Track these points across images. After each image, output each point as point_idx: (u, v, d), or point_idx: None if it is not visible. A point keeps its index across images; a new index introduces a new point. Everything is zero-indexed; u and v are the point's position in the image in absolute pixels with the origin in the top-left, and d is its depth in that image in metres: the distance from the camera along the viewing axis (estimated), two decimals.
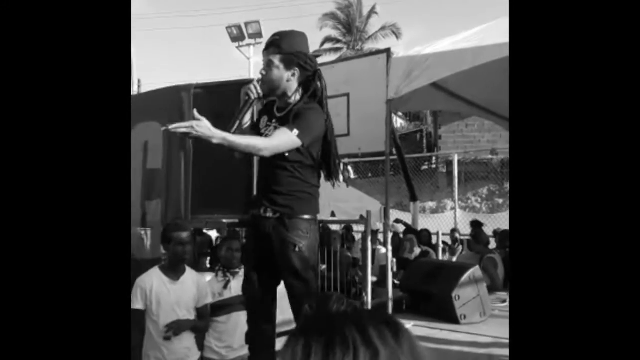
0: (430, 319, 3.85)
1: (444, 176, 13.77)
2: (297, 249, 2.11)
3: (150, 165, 3.61)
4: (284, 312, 4.04)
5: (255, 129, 2.27)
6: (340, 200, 6.13)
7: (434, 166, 14.64)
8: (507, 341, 3.33)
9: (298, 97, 2.19)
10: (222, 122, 3.43)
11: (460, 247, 6.39)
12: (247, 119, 2.24)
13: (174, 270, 2.77)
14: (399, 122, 19.17)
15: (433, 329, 3.64)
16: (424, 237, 5.89)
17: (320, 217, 4.47)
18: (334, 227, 5.17)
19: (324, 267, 4.56)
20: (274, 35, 2.22)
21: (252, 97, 2.09)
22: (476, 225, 5.56)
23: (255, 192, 2.33)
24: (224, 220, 3.62)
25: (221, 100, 3.49)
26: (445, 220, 9.50)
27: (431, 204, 13.38)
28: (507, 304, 4.66)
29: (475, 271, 4.04)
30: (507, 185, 13.56)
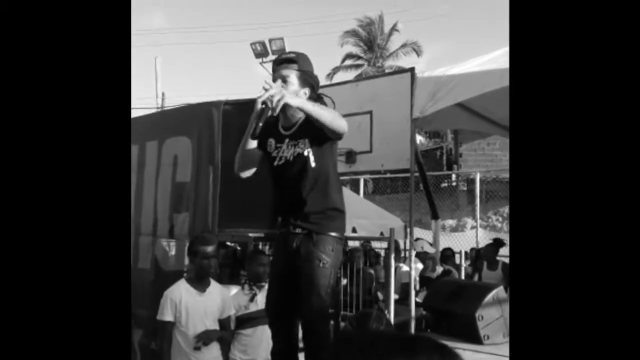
0: (452, 338, 3.81)
1: (464, 194, 13.66)
2: (321, 265, 2.11)
3: (179, 178, 3.68)
4: None
5: (264, 153, 2.26)
6: (361, 217, 6.14)
7: (454, 184, 14.54)
8: None
9: (302, 114, 2.17)
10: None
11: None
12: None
13: (200, 283, 2.82)
14: (419, 139, 19.11)
15: (457, 348, 3.60)
16: (447, 256, 5.84)
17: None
18: (356, 244, 5.17)
19: (345, 281, 4.56)
20: (289, 52, 2.25)
21: (270, 106, 2.06)
22: (496, 244, 5.55)
23: (278, 209, 2.30)
24: (250, 234, 3.66)
25: (249, 116, 3.56)
26: (465, 238, 9.41)
27: (451, 222, 13.26)
28: None
29: (499, 291, 4.00)
30: None
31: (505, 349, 3.67)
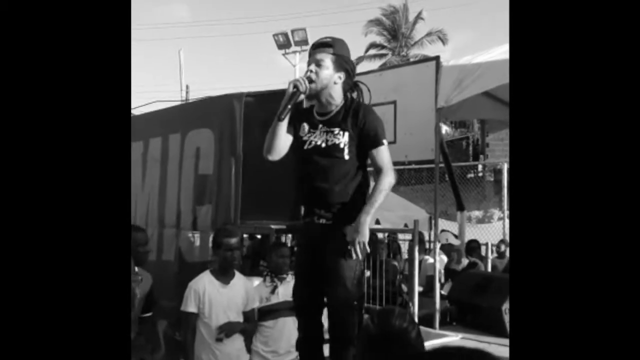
0: (478, 332, 3.75)
1: (491, 185, 13.43)
2: (347, 257, 2.09)
3: (201, 170, 3.70)
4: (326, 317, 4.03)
5: (296, 138, 2.25)
6: (385, 209, 6.08)
7: (480, 174, 14.30)
8: None
9: (340, 101, 2.17)
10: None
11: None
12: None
13: (224, 275, 2.83)
14: (444, 129, 18.86)
15: (482, 342, 3.54)
16: (473, 248, 5.75)
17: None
18: (380, 236, 5.13)
19: (369, 273, 4.53)
20: (325, 37, 2.22)
21: (300, 90, 2.06)
22: None
23: (304, 196, 2.27)
24: (272, 226, 3.66)
25: (271, 109, 3.54)
26: (492, 230, 9.25)
27: (477, 213, 13.07)
28: None
29: None
30: None
31: None
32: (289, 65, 12.39)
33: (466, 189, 11.01)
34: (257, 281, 3.12)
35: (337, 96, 2.16)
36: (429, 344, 3.43)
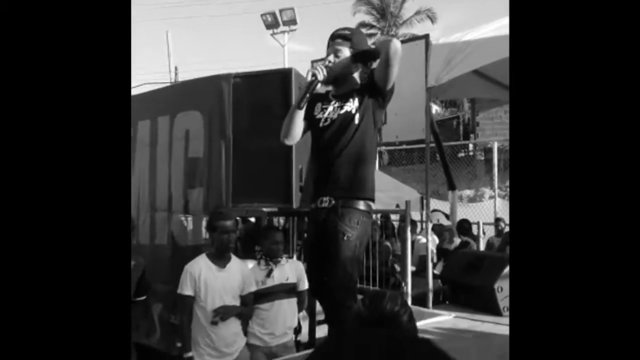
0: (470, 310, 3.79)
1: (482, 164, 13.48)
2: (345, 238, 2.10)
3: (191, 153, 3.65)
4: None
5: (308, 119, 2.28)
6: (377, 189, 6.08)
7: (471, 154, 14.35)
8: None
9: (357, 86, 2.24)
10: (261, 110, 3.46)
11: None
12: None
13: (220, 258, 2.81)
14: (434, 108, 18.84)
15: (475, 320, 3.58)
16: (464, 227, 5.78)
17: None
18: (373, 217, 5.13)
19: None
20: (343, 28, 2.26)
21: (319, 77, 2.11)
22: None
23: (315, 178, 2.31)
24: (264, 209, 3.64)
25: (260, 89, 3.50)
26: (483, 209, 9.31)
27: (468, 192, 13.13)
28: None
29: None
30: None
31: None
32: (277, 46, 12.23)
33: (457, 168, 11.02)
34: (251, 264, 3.12)
35: (354, 83, 2.24)
36: (422, 324, 3.46)
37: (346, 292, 2.12)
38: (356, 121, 2.17)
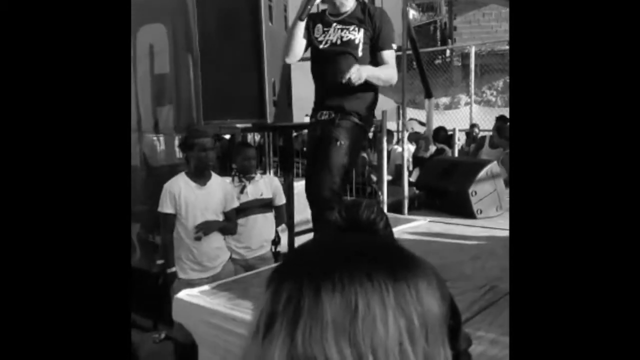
0: (445, 214, 3.91)
1: (459, 70, 13.33)
2: (338, 144, 2.21)
3: (157, 70, 3.49)
4: (301, 212, 4.14)
5: (310, 40, 2.32)
6: None
7: (448, 60, 14.12)
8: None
9: (352, 3, 2.28)
10: (229, 20, 3.27)
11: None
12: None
13: (199, 176, 2.81)
14: (411, 13, 18.19)
15: (449, 224, 3.71)
16: (441, 134, 5.81)
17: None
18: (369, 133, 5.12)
19: None
20: None
21: None
22: (501, 119, 5.47)
23: (315, 97, 2.40)
24: (238, 125, 3.58)
25: (226, 1, 3.29)
26: (459, 115, 9.33)
27: (445, 100, 13.11)
28: None
29: (492, 167, 4.03)
30: None
31: (498, 222, 3.78)
32: None
33: (434, 75, 10.90)
34: (227, 181, 3.12)
35: (350, 6, 2.28)
36: (398, 229, 3.56)
37: (331, 193, 2.21)
38: (359, 52, 2.26)
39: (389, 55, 2.30)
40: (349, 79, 2.11)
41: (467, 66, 8.94)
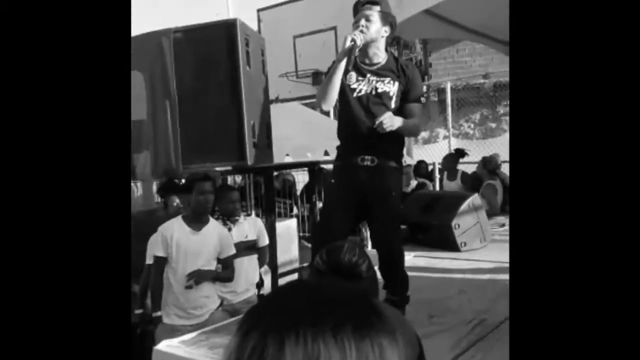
0: (430, 249, 3.91)
1: (436, 105, 13.61)
2: (393, 194, 2.36)
3: (135, 116, 3.48)
4: (284, 252, 4.08)
5: (342, 86, 2.39)
6: (333, 138, 6.05)
7: (425, 95, 14.44)
8: (507, 265, 3.41)
9: (384, 54, 2.40)
10: (206, 66, 3.31)
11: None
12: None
13: (196, 221, 2.78)
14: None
15: (434, 258, 3.70)
16: (422, 168, 5.87)
17: (314, 157, 4.42)
18: (329, 167, 5.14)
19: (320, 204, 4.57)
20: None
21: (357, 43, 2.23)
22: (456, 154, 5.67)
23: (346, 142, 2.46)
24: (217, 169, 3.56)
25: (203, 44, 3.33)
26: (438, 149, 9.47)
27: (424, 134, 13.31)
28: (506, 227, 4.73)
29: (474, 199, 4.06)
30: (499, 109, 13.43)
31: (483, 254, 3.78)
32: None
33: None
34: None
35: (382, 48, 2.39)
36: None
37: (401, 243, 2.48)
38: (392, 103, 2.37)
39: (417, 108, 2.42)
40: (381, 123, 2.22)
41: (444, 101, 9.14)
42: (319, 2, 5.04)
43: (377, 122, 2.23)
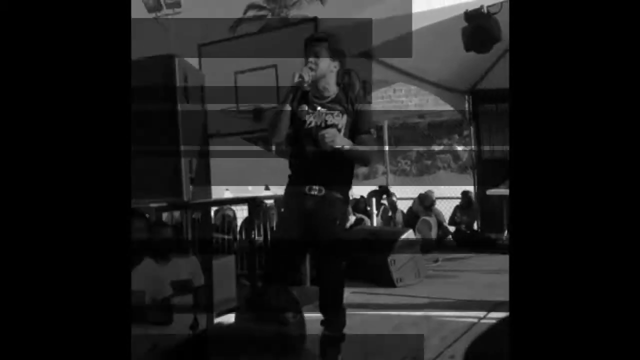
0: (367, 284, 3.95)
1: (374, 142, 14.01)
2: (337, 223, 2.38)
3: None
4: (221, 291, 3.97)
5: (292, 119, 2.43)
6: (273, 173, 6.08)
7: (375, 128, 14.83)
8: (441, 301, 3.51)
9: (335, 88, 2.44)
10: (144, 100, 3.24)
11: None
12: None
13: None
14: None
15: (370, 294, 3.74)
16: (360, 204, 5.98)
17: (255, 192, 4.38)
18: (270, 202, 5.13)
19: (261, 239, 4.54)
20: (320, 33, 2.61)
21: (306, 79, 2.29)
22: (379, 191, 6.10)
23: (295, 172, 2.50)
24: (152, 205, 3.47)
25: (147, 76, 3.28)
26: (377, 184, 9.71)
27: (363, 170, 13.62)
28: (439, 263, 4.87)
29: (409, 234, 4.17)
30: (434, 147, 14.02)
31: (417, 289, 3.87)
32: (159, 30, 11.61)
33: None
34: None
35: (332, 82, 2.45)
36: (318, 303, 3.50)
37: (338, 256, 2.46)
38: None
39: (367, 139, 2.47)
40: (322, 136, 2.26)
41: (382, 137, 9.46)
42: (261, 40, 5.11)
43: (319, 134, 2.28)
